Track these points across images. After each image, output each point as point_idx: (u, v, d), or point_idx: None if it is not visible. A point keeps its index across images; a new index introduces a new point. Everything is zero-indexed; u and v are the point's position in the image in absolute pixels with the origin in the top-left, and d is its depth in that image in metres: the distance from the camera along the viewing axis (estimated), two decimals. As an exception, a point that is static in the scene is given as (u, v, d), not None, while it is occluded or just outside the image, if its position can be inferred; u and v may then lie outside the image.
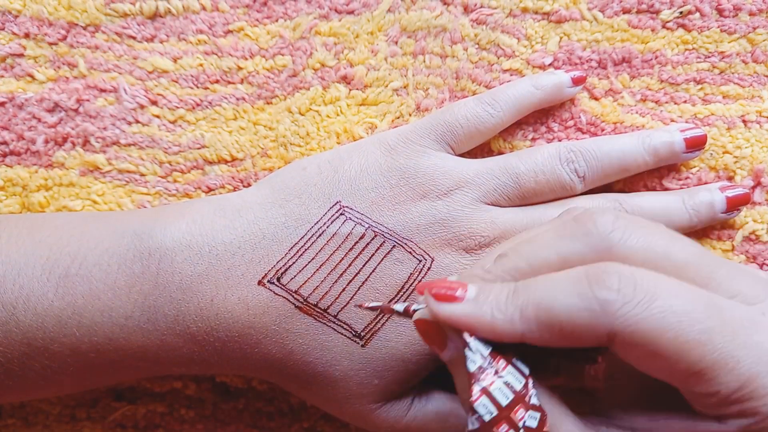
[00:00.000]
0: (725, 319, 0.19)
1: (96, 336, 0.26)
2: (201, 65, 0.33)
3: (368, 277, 0.27)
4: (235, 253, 0.27)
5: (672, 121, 0.32)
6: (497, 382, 0.21)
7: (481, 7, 0.33)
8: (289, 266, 0.27)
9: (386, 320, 0.27)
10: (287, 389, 0.30)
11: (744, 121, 0.32)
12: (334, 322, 0.27)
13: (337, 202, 0.28)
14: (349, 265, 0.27)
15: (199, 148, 0.32)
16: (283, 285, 0.27)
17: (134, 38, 0.33)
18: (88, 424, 0.33)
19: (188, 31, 0.33)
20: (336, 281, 0.27)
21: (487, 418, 0.20)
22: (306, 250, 0.27)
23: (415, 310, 0.23)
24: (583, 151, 0.29)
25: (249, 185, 0.32)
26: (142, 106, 0.33)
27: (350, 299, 0.27)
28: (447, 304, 0.21)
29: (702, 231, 0.32)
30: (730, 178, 0.32)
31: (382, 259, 0.28)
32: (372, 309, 0.26)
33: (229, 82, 0.33)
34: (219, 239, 0.27)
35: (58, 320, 0.26)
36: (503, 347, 0.22)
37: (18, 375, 0.27)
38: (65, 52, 0.33)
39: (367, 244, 0.28)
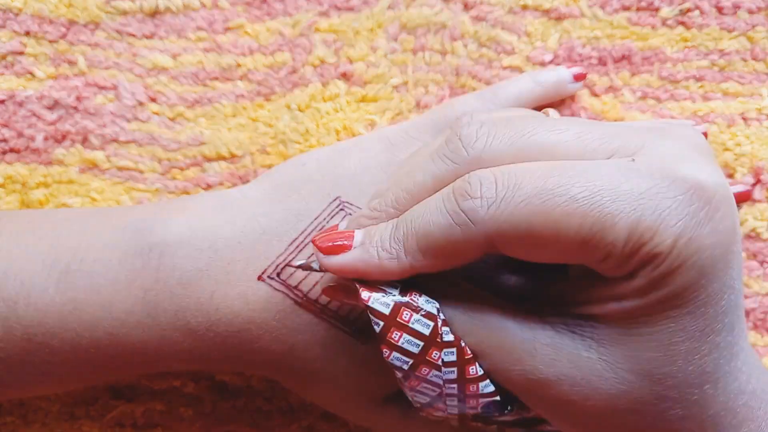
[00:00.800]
0: (589, 181, 0.19)
1: (96, 331, 0.26)
2: (200, 62, 0.33)
3: None
4: (235, 248, 0.27)
5: (672, 117, 0.32)
6: (404, 336, 0.21)
7: (481, 4, 0.33)
8: (289, 261, 0.27)
9: None
10: (287, 386, 0.30)
11: (744, 119, 0.32)
12: (334, 318, 0.27)
13: (337, 198, 0.28)
14: None
15: (198, 145, 0.32)
16: (283, 280, 0.27)
17: (134, 36, 0.33)
18: (87, 422, 0.33)
19: (188, 29, 0.33)
20: None
21: (405, 367, 0.21)
22: (306, 245, 0.27)
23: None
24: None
25: (248, 182, 0.32)
26: (141, 104, 0.33)
27: None
28: (335, 255, 0.22)
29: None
30: (731, 176, 0.32)
31: None
32: (297, 267, 0.26)
33: (229, 79, 0.33)
34: (219, 234, 0.27)
35: (58, 315, 0.26)
36: (408, 285, 0.22)
37: (18, 371, 0.26)
38: (65, 50, 0.33)
39: None
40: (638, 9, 0.33)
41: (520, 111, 0.25)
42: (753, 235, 0.32)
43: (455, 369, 0.22)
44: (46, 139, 0.32)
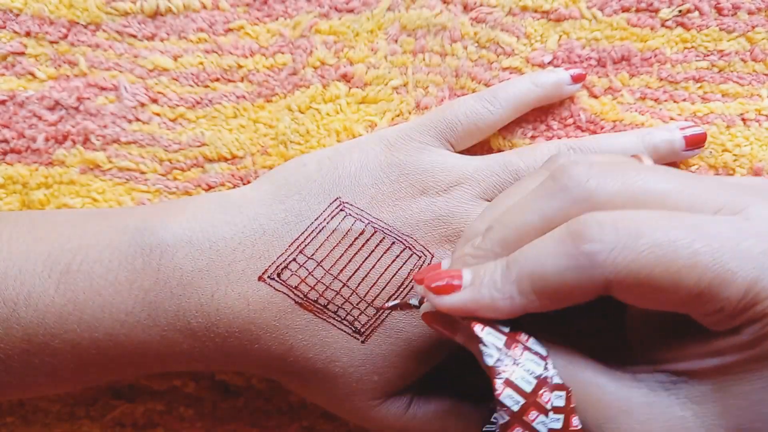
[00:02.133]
0: (710, 236, 0.19)
1: (97, 332, 0.26)
2: (201, 63, 0.33)
3: (368, 273, 0.27)
4: (235, 248, 0.27)
5: (671, 119, 0.32)
6: (517, 371, 0.21)
7: (481, 5, 0.33)
8: (290, 262, 0.27)
9: (386, 317, 0.27)
10: (287, 386, 0.30)
11: (743, 120, 0.32)
12: (334, 318, 0.27)
13: (337, 198, 0.28)
14: (349, 261, 0.27)
15: (199, 146, 0.32)
16: (283, 281, 0.27)
17: (135, 37, 0.33)
18: (87, 423, 0.33)
19: (189, 30, 0.33)
20: (336, 277, 0.27)
21: (515, 408, 0.21)
22: (306, 245, 0.27)
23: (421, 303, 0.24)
24: (583, 149, 0.29)
25: (249, 183, 0.32)
26: (142, 104, 0.33)
27: (350, 295, 0.27)
28: (446, 296, 0.22)
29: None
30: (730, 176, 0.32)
31: (382, 255, 0.28)
32: (392, 308, 0.26)
33: (230, 81, 0.33)
34: (219, 235, 0.27)
35: (59, 316, 0.26)
36: (516, 326, 0.22)
37: (19, 371, 0.26)
38: (66, 51, 0.33)
39: (367, 240, 0.28)
40: (637, 10, 0.33)
41: (618, 156, 0.25)
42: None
43: (561, 417, 0.21)
44: (47, 139, 0.32)
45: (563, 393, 0.21)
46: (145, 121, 0.33)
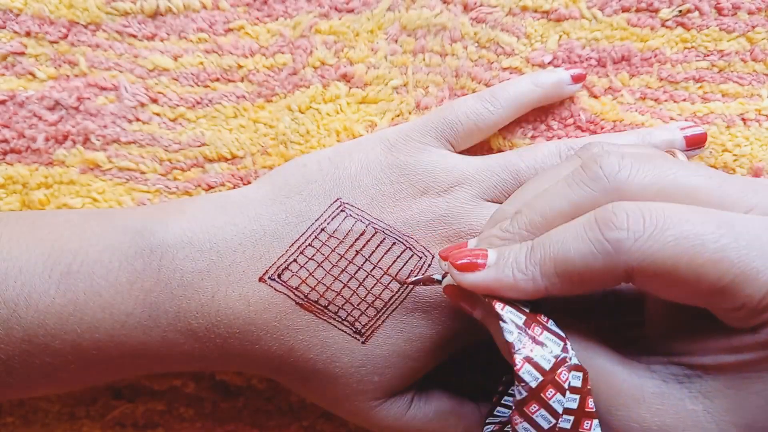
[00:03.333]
0: (738, 234, 0.19)
1: (97, 333, 0.26)
2: (201, 63, 0.33)
3: (369, 273, 0.27)
4: (236, 249, 0.27)
5: (671, 119, 0.32)
6: (537, 349, 0.21)
7: (481, 5, 0.33)
8: (290, 263, 0.27)
9: (387, 317, 0.27)
10: (287, 387, 0.30)
11: (743, 120, 0.32)
12: (334, 319, 0.27)
13: (338, 199, 0.28)
14: (350, 261, 0.27)
15: (199, 146, 0.32)
16: (284, 282, 0.27)
17: (135, 37, 0.33)
18: (87, 423, 0.33)
19: (189, 30, 0.33)
20: (337, 278, 0.27)
21: (533, 384, 0.21)
22: (307, 246, 0.27)
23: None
24: None
25: (249, 183, 0.32)
26: (142, 104, 0.33)
27: (351, 296, 0.27)
28: (470, 273, 0.22)
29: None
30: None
31: (383, 255, 0.27)
32: (415, 283, 0.27)
33: (230, 80, 0.33)
34: (220, 236, 0.27)
35: (59, 317, 0.26)
36: (537, 307, 0.22)
37: (19, 372, 0.26)
38: (66, 51, 0.33)
39: (368, 240, 0.28)
40: (637, 10, 0.33)
41: (650, 149, 0.25)
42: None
43: (578, 398, 0.21)
44: (47, 139, 0.32)
45: (581, 374, 0.21)
46: (146, 121, 0.33)
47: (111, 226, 0.27)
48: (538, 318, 0.22)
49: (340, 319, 0.27)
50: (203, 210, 0.28)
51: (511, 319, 0.22)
